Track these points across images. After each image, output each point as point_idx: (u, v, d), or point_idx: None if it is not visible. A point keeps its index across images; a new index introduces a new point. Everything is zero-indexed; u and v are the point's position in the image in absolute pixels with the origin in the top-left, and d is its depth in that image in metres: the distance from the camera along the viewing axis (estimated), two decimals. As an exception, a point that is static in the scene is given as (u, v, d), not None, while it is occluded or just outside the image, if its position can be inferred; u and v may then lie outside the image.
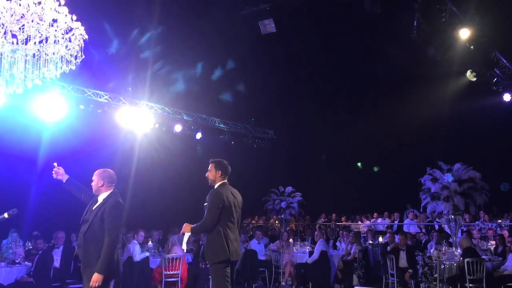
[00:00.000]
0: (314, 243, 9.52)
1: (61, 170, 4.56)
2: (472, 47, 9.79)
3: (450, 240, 8.67)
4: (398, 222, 13.29)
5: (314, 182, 15.69)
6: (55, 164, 4.55)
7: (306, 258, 8.89)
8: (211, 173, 4.51)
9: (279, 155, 15.89)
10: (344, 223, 14.47)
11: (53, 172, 4.52)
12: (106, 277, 3.84)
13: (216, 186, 4.47)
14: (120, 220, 3.97)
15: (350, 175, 16.73)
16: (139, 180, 11.55)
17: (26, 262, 7.23)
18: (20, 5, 4.38)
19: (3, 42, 4.50)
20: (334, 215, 15.14)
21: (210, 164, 4.54)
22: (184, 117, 13.12)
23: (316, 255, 8.65)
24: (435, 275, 7.62)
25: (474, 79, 11.18)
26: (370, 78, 13.59)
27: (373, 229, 12.71)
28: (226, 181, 4.51)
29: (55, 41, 4.71)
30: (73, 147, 9.67)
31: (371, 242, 11.16)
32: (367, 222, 14.02)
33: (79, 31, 4.82)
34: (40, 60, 4.77)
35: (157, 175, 12.17)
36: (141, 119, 11.47)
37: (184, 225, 4.41)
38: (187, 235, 4.45)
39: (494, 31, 9.56)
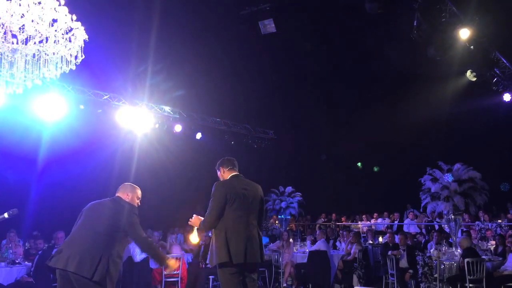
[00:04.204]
0: (313, 242, 9.53)
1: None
2: (472, 47, 9.79)
3: (450, 240, 8.68)
4: (398, 222, 13.29)
5: (314, 182, 15.70)
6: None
7: (306, 258, 8.91)
8: (220, 176, 4.20)
9: (279, 155, 15.90)
10: (344, 223, 14.48)
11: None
12: None
13: None
14: None
15: (350, 175, 16.73)
16: (139, 180, 11.49)
17: (26, 262, 7.24)
18: (20, 5, 4.38)
19: (3, 42, 4.50)
20: (334, 215, 15.15)
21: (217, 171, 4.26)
22: (184, 117, 13.12)
23: (316, 246, 8.81)
24: (435, 275, 7.62)
25: (474, 79, 11.18)
26: (370, 78, 13.60)
27: (373, 229, 12.72)
28: (236, 173, 4.13)
29: (55, 41, 4.71)
30: (73, 147, 9.67)
31: (371, 242, 11.17)
32: (367, 222, 14.04)
33: (79, 31, 4.82)
34: (40, 60, 4.77)
35: (157, 175, 12.16)
36: (141, 119, 11.47)
37: (194, 216, 4.09)
38: (195, 229, 4.18)
39: (494, 31, 9.56)
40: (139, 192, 4.20)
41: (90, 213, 3.93)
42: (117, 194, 4.12)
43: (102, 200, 4.05)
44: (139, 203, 4.18)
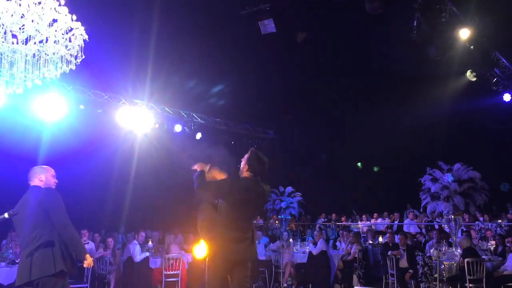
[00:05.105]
0: (314, 243, 9.53)
1: None
2: (472, 47, 9.80)
3: (450, 240, 8.68)
4: (398, 222, 13.29)
5: (314, 182, 15.69)
6: None
7: (306, 258, 8.91)
8: (243, 162, 4.19)
9: (279, 155, 15.88)
10: (344, 223, 14.47)
11: None
12: None
13: None
14: None
15: (350, 175, 16.72)
16: (139, 180, 11.54)
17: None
18: (20, 5, 4.38)
19: (3, 42, 4.49)
20: (334, 215, 15.14)
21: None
22: (184, 117, 13.12)
23: (319, 247, 8.77)
24: (435, 275, 7.63)
25: (474, 79, 11.19)
26: (370, 78, 13.58)
27: (373, 229, 12.72)
28: (249, 176, 4.16)
29: (55, 41, 4.70)
30: (73, 147, 9.67)
31: (371, 242, 11.17)
32: (367, 222, 14.03)
33: (79, 31, 4.82)
34: (40, 60, 4.76)
35: (157, 175, 12.16)
36: (141, 119, 11.47)
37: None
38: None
39: (494, 31, 9.56)
40: (51, 171, 4.19)
41: (18, 219, 3.99)
42: (31, 184, 4.12)
43: (21, 200, 4.10)
44: (56, 181, 4.19)
